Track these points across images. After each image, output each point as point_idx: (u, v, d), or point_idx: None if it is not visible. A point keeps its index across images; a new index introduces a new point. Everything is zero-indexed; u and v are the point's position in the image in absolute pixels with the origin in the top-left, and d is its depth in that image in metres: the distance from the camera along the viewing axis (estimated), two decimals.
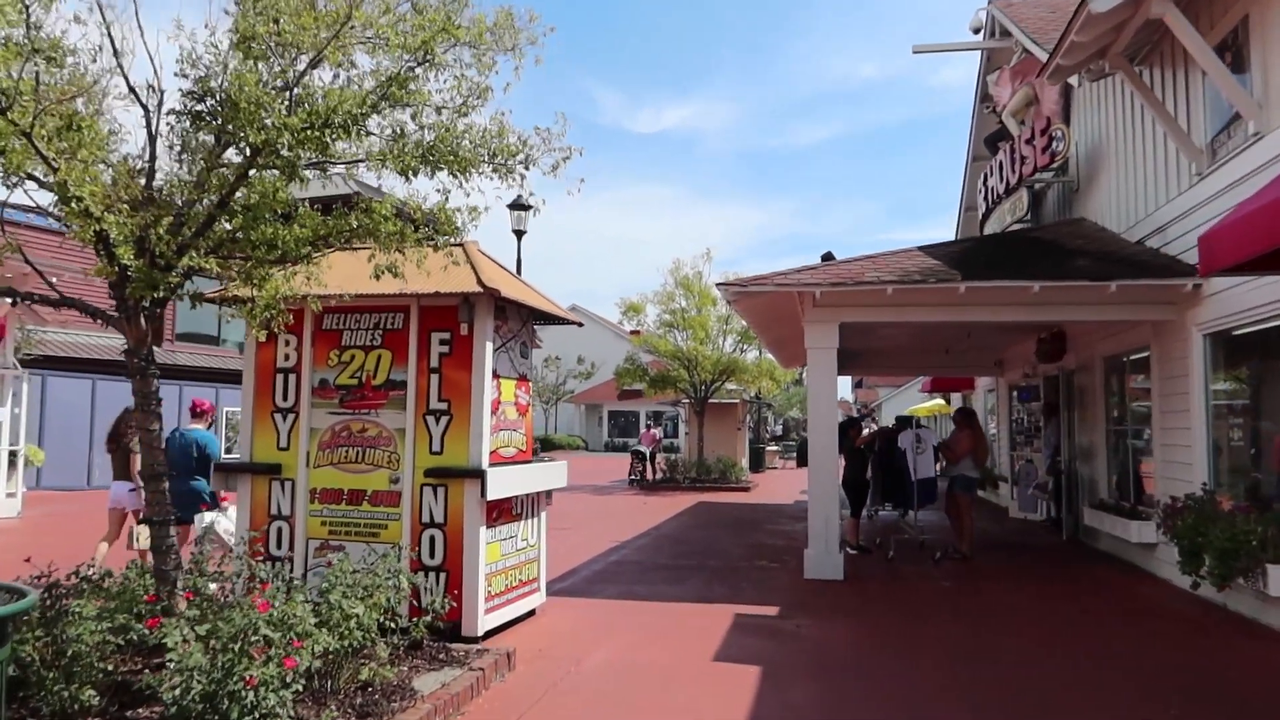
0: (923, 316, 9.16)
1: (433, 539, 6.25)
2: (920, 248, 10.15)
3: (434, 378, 6.37)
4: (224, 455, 8.88)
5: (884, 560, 10.30)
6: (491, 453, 6.43)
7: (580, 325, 7.78)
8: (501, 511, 6.57)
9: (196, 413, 8.50)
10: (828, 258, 10.34)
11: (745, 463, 25.72)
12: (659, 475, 22.99)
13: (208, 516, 7.87)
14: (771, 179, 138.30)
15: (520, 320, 7.04)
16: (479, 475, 6.10)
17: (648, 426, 25.34)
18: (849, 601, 8.05)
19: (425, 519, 6.27)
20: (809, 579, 9.07)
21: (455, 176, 5.02)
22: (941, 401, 29.76)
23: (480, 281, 6.12)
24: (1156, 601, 8.13)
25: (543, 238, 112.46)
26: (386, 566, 5.39)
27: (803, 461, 9.43)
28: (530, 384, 7.24)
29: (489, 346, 6.34)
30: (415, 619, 5.71)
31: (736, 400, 25.61)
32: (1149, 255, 9.12)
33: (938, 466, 11.35)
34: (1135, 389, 10.41)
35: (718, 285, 8.78)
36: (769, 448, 33.69)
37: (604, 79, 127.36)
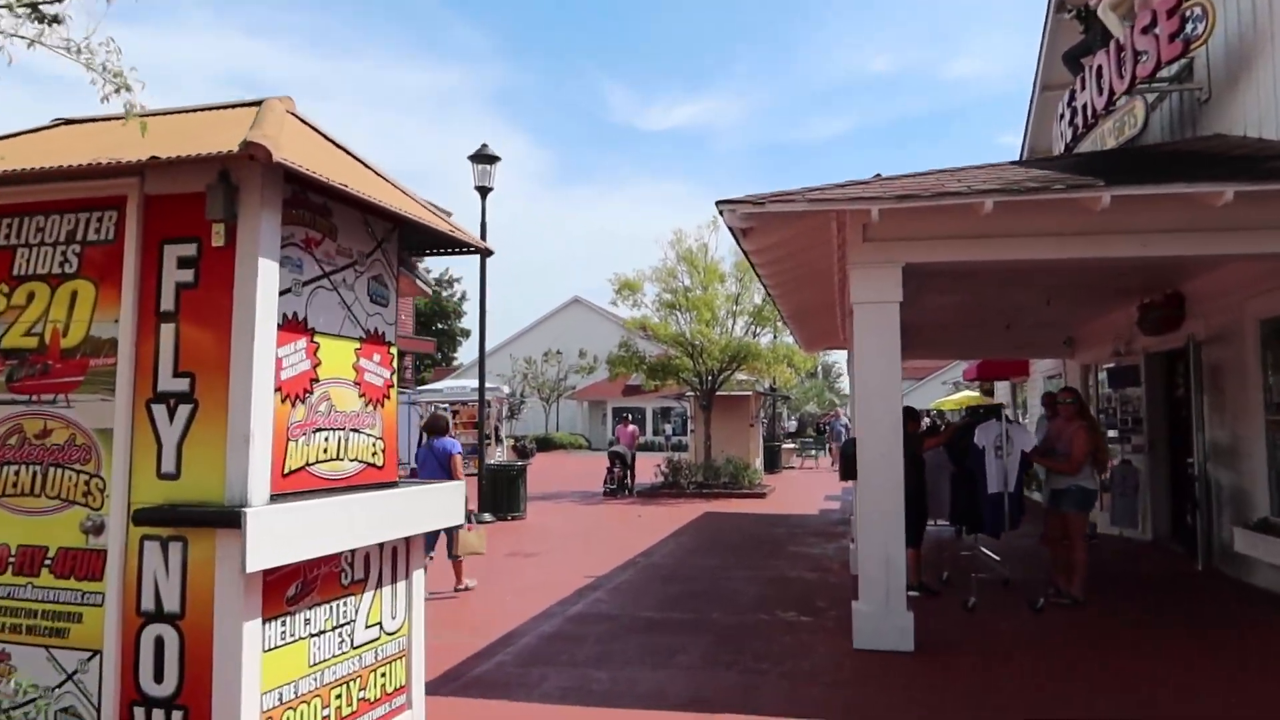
0: (1032, 252, 6.04)
1: (159, 644, 3.20)
2: (1013, 162, 7.06)
3: (167, 331, 3.31)
4: None
5: (961, 609, 7.22)
6: (296, 470, 3.41)
7: (490, 253, 4.72)
8: (311, 582, 3.52)
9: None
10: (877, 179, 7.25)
11: (759, 464, 22.62)
12: (660, 479, 19.83)
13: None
14: (787, 173, 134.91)
15: (369, 238, 3.99)
16: (235, 520, 3.04)
17: (624, 419, 21.66)
18: (934, 699, 4.97)
19: (147, 605, 3.22)
20: (861, 650, 6.00)
21: None
22: (971, 394, 26.39)
23: (248, 140, 3.06)
24: None
25: (555, 237, 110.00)
26: None
27: (849, 473, 6.46)
28: (393, 352, 4.19)
29: (269, 270, 3.28)
30: None
31: (749, 392, 22.48)
32: None
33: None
34: None
35: (719, 204, 5.70)
36: (785, 445, 30.51)
37: (614, 75, 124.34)
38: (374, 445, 3.96)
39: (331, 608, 3.62)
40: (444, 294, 62.35)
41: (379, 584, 3.95)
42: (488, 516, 13.78)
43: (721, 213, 5.73)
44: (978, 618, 7.05)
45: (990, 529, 7.47)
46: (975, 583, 7.45)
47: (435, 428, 8.42)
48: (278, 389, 3.32)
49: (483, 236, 14.31)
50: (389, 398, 4.11)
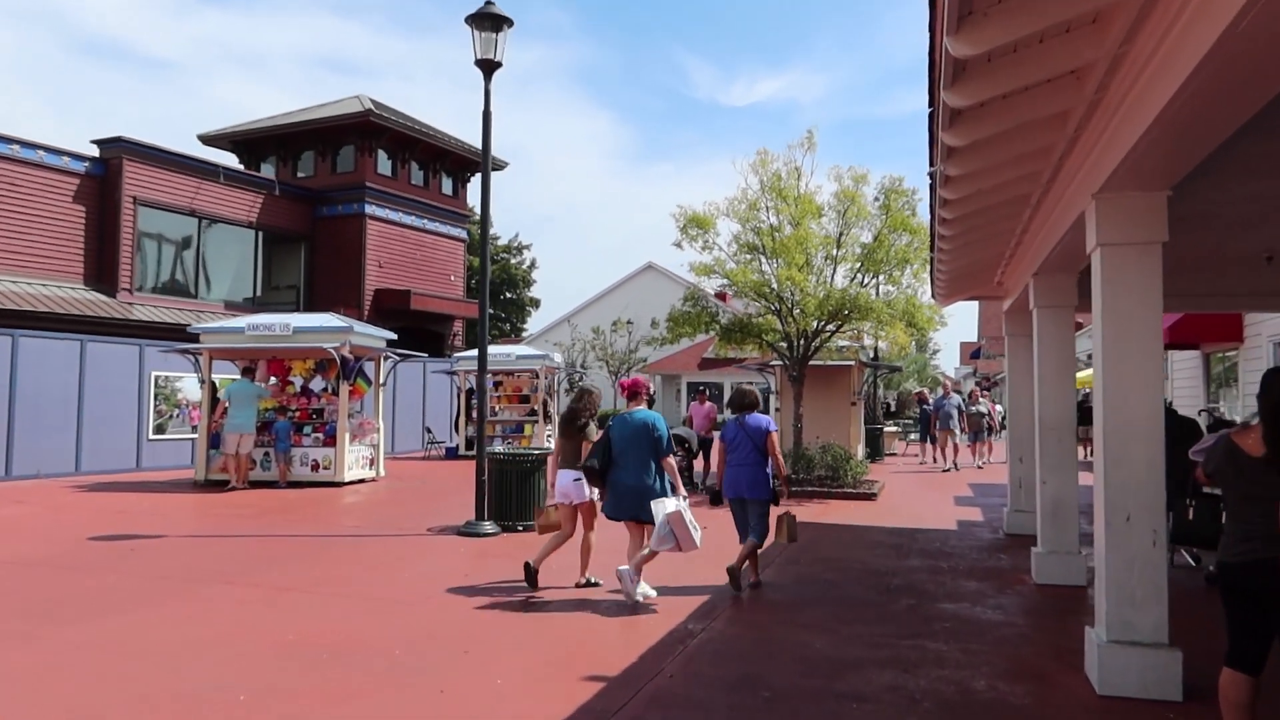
0: None
1: None
2: None
3: None
4: None
5: None
6: None
7: None
8: None
9: (633, 394, 7.05)
10: None
11: (862, 452, 18.08)
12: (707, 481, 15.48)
13: (669, 504, 6.48)
14: (870, 149, 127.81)
15: None
16: None
17: (700, 394, 16.93)
18: None
19: None
20: None
21: None
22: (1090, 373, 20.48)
23: None
24: None
25: (634, 213, 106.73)
26: None
27: (1195, 535, 2.31)
28: None
29: None
30: None
31: (850, 362, 17.91)
32: None
33: None
34: None
35: None
36: (887, 427, 25.73)
37: (696, 51, 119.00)
38: None
39: None
40: (512, 261, 58.99)
41: None
42: (489, 527, 9.76)
43: None
44: None
45: None
46: None
47: (744, 403, 7.39)
48: None
49: (485, 125, 10.19)
50: None
